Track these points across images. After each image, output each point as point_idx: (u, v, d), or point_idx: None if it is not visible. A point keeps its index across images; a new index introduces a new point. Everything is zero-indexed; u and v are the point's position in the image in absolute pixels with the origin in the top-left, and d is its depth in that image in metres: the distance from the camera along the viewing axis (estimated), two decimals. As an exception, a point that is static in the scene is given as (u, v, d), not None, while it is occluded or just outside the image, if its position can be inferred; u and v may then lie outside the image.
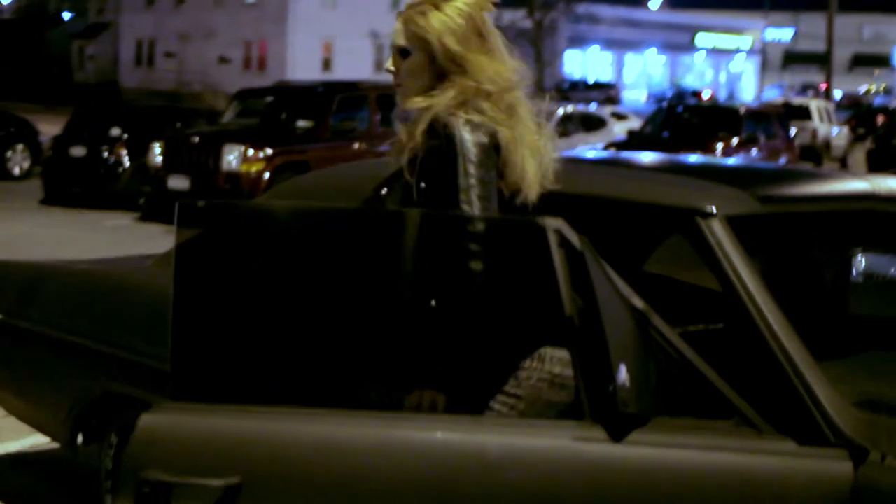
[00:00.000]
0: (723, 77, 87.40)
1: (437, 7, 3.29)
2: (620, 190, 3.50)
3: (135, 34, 63.72)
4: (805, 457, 2.79)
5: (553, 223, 2.94)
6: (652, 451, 2.82)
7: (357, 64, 57.82)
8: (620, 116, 31.32)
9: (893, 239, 3.42)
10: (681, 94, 68.00)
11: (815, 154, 28.67)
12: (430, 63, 3.29)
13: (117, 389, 4.42)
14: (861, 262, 3.34)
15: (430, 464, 2.85)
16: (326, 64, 59.14)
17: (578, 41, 75.67)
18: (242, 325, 3.08)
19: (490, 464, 2.84)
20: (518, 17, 64.74)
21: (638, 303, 2.95)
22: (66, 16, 75.10)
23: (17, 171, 21.72)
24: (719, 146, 20.00)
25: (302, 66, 56.10)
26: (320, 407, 2.94)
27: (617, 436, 2.82)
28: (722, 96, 74.46)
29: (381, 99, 18.10)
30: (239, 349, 3.07)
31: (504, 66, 3.26)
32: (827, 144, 30.32)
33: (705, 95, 67.21)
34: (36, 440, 5.96)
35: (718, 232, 3.12)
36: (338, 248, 3.11)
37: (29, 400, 4.95)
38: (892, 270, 3.37)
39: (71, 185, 18.29)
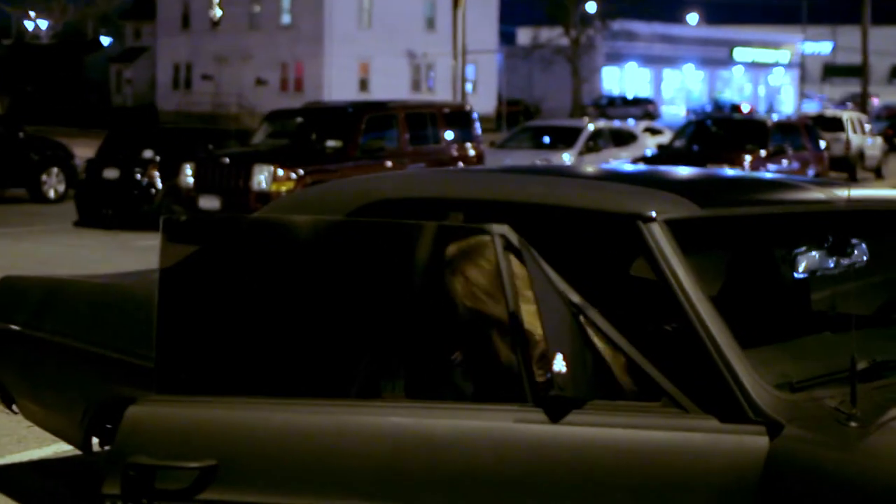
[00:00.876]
0: (762, 90, 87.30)
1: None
2: (568, 198, 3.75)
3: (171, 57, 64.38)
4: (726, 432, 3.05)
5: (498, 229, 3.23)
6: (587, 430, 3.09)
7: (394, 83, 58.25)
8: (655, 131, 31.65)
9: (833, 238, 3.64)
10: (720, 108, 67.98)
11: (849, 164, 28.87)
12: None
13: (128, 394, 4.71)
14: (803, 259, 3.57)
15: (384, 445, 3.15)
16: (363, 84, 59.56)
17: (616, 58, 75.93)
18: (219, 328, 3.42)
19: (438, 444, 3.13)
20: (555, 34, 65.21)
21: (575, 298, 3.22)
22: (105, 41, 76.07)
23: (51, 194, 22.28)
24: (747, 158, 20.22)
25: (339, 87, 56.54)
26: (287, 396, 3.26)
27: (554, 417, 3.10)
28: (761, 109, 74.37)
29: (409, 118, 18.45)
30: (216, 348, 3.42)
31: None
32: (861, 155, 30.45)
33: (745, 109, 67.15)
34: (58, 448, 6.28)
35: (658, 235, 3.36)
36: (303, 257, 3.43)
37: (46, 406, 5.24)
38: (832, 266, 3.60)
39: (103, 207, 18.73)
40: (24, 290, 5.40)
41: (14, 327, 5.21)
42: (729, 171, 4.89)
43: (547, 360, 3.09)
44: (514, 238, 3.22)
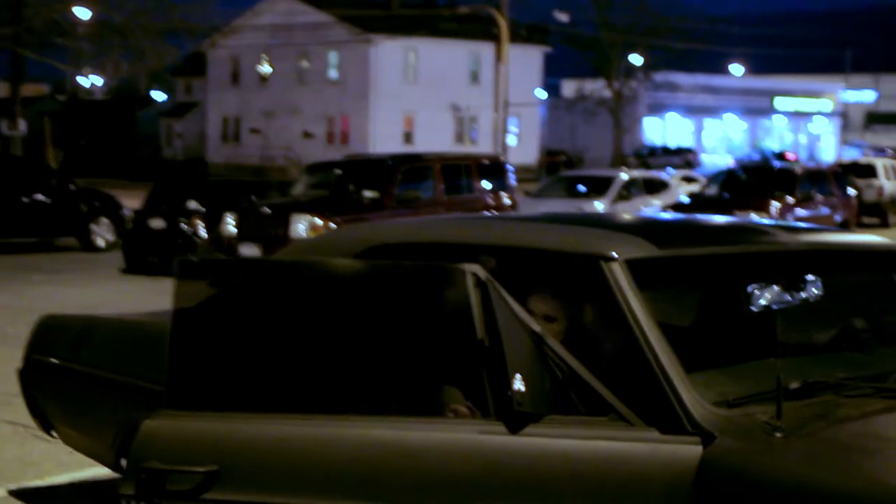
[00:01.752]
0: (803, 139, 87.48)
1: None
2: (540, 240, 4.23)
3: (221, 112, 65.47)
4: (665, 442, 3.49)
5: (470, 268, 3.69)
6: (542, 440, 3.54)
7: (438, 136, 58.88)
8: (691, 180, 32.08)
9: (785, 275, 4.04)
10: (765, 157, 68.31)
11: (881, 210, 29.35)
12: None
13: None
14: (759, 294, 3.96)
15: (366, 453, 3.63)
16: (407, 137, 60.23)
17: (658, 108, 76.35)
18: (222, 353, 3.93)
19: (411, 452, 3.59)
20: (598, 86, 65.83)
21: (535, 327, 3.68)
22: (158, 96, 77.54)
23: (100, 243, 22.99)
24: (775, 205, 20.67)
25: (383, 140, 57.24)
26: (280, 412, 3.75)
27: (513, 429, 3.55)
28: (802, 157, 74.62)
29: (445, 169, 18.99)
30: (219, 371, 3.93)
31: None
32: (893, 201, 30.78)
33: (790, 156, 67.57)
34: (95, 471, 6.78)
35: (618, 273, 3.81)
36: (295, 293, 3.92)
37: (81, 431, 5.74)
38: (788, 300, 3.98)
39: (149, 255, 19.40)
40: (63, 327, 5.91)
41: (53, 360, 5.72)
42: (695, 216, 5.34)
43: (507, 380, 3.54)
44: (482, 274, 3.68)
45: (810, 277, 3.94)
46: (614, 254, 3.87)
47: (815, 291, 4.00)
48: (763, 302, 3.83)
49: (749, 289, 3.81)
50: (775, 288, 3.85)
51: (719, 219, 5.03)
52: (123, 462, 5.34)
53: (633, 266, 3.85)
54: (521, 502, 3.52)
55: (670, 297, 4.35)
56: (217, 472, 3.68)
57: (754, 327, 4.42)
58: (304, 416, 3.73)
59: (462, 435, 3.61)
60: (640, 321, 3.70)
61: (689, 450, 3.46)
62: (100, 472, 6.65)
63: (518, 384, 3.51)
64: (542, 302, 4.19)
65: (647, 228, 4.45)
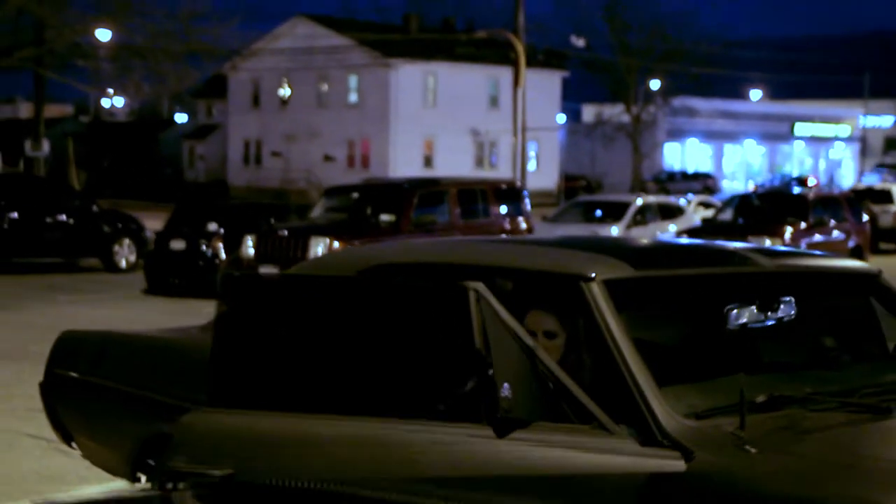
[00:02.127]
0: (822, 164, 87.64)
1: None
2: (525, 262, 4.55)
3: (242, 135, 65.95)
4: (644, 455, 3.75)
5: (472, 285, 3.99)
6: (527, 445, 3.83)
7: (457, 160, 59.19)
8: (708, 205, 32.32)
9: (758, 296, 4.30)
10: (787, 183, 68.48)
11: (896, 236, 29.63)
12: None
13: (168, 430, 5.51)
14: (736, 314, 4.21)
15: (373, 451, 4.00)
16: (427, 161, 60.57)
17: (677, 133, 76.57)
18: (257, 364, 4.32)
19: (413, 451, 3.96)
20: (617, 111, 66.09)
21: (528, 340, 3.97)
22: (180, 118, 78.22)
23: (123, 263, 23.39)
24: (788, 230, 20.92)
25: (404, 164, 57.57)
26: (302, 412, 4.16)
27: (501, 433, 3.84)
28: (822, 182, 74.80)
29: (461, 194, 19.28)
30: (255, 377, 4.32)
31: None
32: (908, 226, 30.98)
33: (811, 182, 67.72)
34: (114, 485, 7.04)
35: (596, 292, 4.11)
36: (317, 306, 4.25)
37: (99, 442, 6.04)
38: (763, 320, 4.22)
39: (171, 276, 19.79)
40: (82, 343, 6.22)
41: (73, 374, 6.03)
42: (674, 239, 5.62)
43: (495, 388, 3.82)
44: (482, 290, 3.98)
45: (785, 298, 4.15)
46: (593, 274, 4.17)
47: (790, 312, 4.20)
48: (740, 321, 4.05)
49: (726, 309, 4.03)
50: (752, 308, 4.08)
51: (700, 243, 5.32)
52: (140, 475, 5.66)
53: (610, 286, 4.15)
54: (504, 498, 3.82)
55: (647, 316, 4.63)
56: (232, 475, 4.11)
57: (727, 345, 4.71)
58: (323, 415, 4.14)
59: (455, 437, 3.91)
60: (617, 337, 4.00)
61: (665, 463, 3.71)
62: (119, 484, 6.92)
63: (506, 392, 3.80)
64: (542, 319, 4.47)
65: (627, 251, 4.74)
